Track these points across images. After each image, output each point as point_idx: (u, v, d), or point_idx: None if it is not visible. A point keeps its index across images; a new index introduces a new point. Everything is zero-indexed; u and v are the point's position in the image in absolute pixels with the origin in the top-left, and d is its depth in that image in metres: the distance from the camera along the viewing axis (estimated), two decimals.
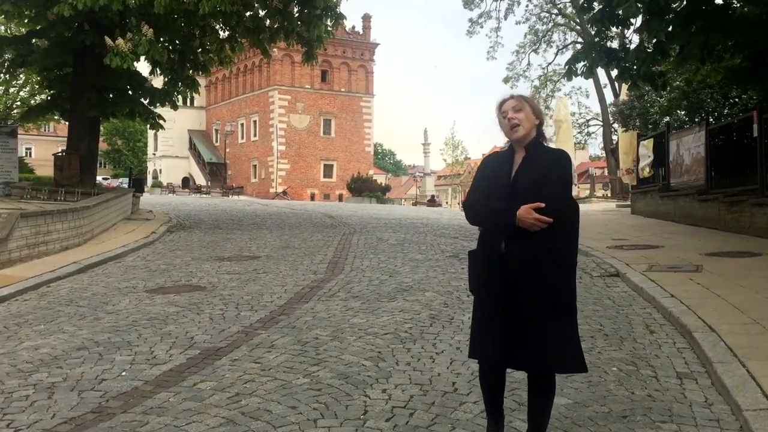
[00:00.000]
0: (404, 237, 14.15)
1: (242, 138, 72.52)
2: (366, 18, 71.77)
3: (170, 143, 78.14)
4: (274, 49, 61.90)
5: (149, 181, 76.15)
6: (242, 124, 72.29)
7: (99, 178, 55.70)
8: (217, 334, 6.14)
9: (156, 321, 6.70)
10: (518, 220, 3.23)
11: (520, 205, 3.24)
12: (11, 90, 41.39)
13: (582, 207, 17.70)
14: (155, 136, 79.57)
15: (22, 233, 9.89)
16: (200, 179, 73.14)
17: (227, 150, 70.82)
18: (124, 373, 5.01)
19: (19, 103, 42.44)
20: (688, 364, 5.26)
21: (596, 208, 24.42)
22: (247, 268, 10.14)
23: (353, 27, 70.72)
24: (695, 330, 5.90)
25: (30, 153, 79.76)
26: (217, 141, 74.83)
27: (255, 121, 70.41)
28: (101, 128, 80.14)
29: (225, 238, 14.02)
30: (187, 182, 75.05)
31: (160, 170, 78.18)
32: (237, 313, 7.05)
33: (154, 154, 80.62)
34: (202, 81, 76.67)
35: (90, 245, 11.97)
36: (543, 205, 3.22)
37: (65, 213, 11.11)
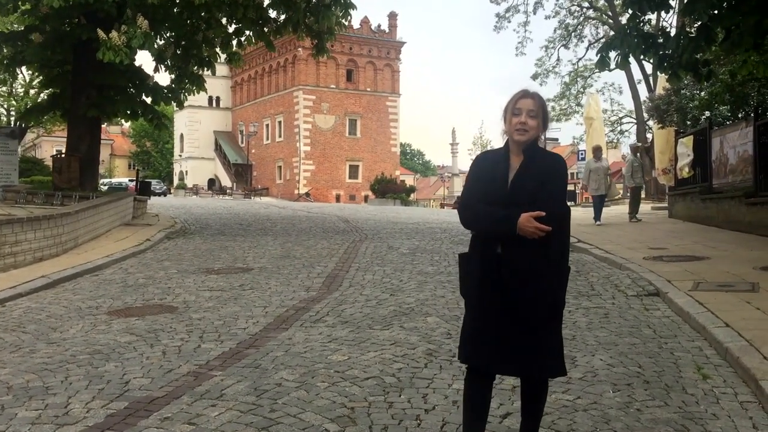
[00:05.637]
0: (418, 245, 12.91)
1: (267, 139, 71.81)
2: (392, 16, 70.53)
3: (196, 145, 77.79)
4: (299, 48, 61.75)
5: (175, 182, 75.91)
6: (267, 125, 71.56)
7: (125, 180, 55.35)
8: (161, 376, 4.98)
9: (98, 356, 5.57)
10: (518, 228, 3.19)
11: (519, 211, 3.19)
12: (31, 92, 41.06)
13: (616, 209, 15.76)
14: (181, 137, 79.33)
15: None
16: (226, 181, 72.62)
17: (252, 151, 70.14)
18: None
19: None
20: (757, 429, 3.98)
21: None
22: (233, 283, 9.00)
23: (379, 25, 69.61)
24: (762, 377, 4.61)
25: (61, 155, 79.85)
26: (242, 142, 74.18)
27: (280, 122, 69.61)
28: (131, 130, 79.30)
29: (223, 246, 12.92)
30: (213, 183, 74.59)
31: (186, 172, 77.81)
32: (198, 345, 5.89)
33: (180, 156, 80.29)
34: (227, 82, 76.66)
35: (70, 256, 10.93)
36: (543, 213, 3.18)
37: (38, 221, 10.06)
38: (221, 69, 72.19)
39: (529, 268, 3.23)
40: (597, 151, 17.62)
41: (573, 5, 39.19)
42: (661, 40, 11.00)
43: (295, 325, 6.56)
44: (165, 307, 7.59)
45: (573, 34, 39.52)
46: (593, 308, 7.14)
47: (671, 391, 4.59)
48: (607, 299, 7.63)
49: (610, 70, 37.15)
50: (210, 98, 76.96)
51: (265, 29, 16.39)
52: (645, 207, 22.52)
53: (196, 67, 17.63)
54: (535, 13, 39.48)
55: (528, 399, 3.49)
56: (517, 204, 3.22)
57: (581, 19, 39.65)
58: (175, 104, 18.37)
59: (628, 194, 19.10)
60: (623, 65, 11.30)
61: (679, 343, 5.78)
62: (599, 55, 11.36)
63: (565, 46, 40.14)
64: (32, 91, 40.98)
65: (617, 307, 7.22)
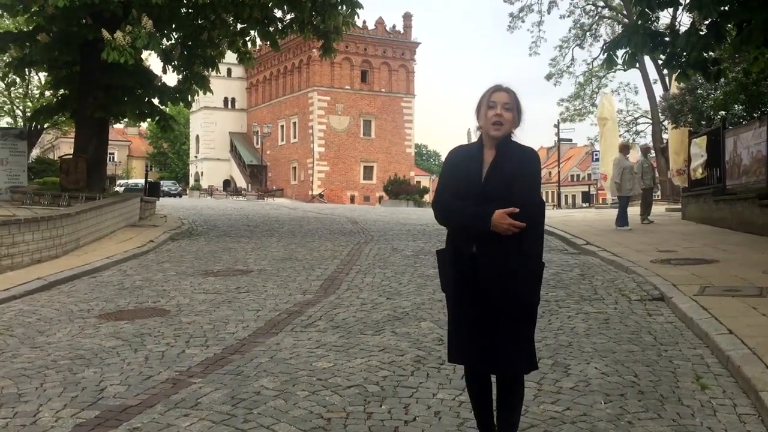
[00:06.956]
0: (422, 246, 12.72)
1: (282, 140, 71.87)
2: (407, 17, 70.41)
3: (212, 146, 78.04)
4: (314, 50, 61.67)
5: (191, 183, 76.19)
6: (282, 126, 71.62)
7: (142, 182, 55.53)
8: (139, 383, 4.84)
9: (78, 361, 5.44)
10: (492, 225, 3.16)
11: (493, 207, 3.18)
12: (46, 93, 41.18)
13: (628, 211, 14.84)
14: (197, 138, 79.63)
15: None
16: (241, 182, 72.79)
17: (267, 152, 70.27)
18: None
19: None
20: None
21: None
22: (229, 285, 8.86)
23: (393, 26, 69.52)
24: (763, 388, 4.38)
25: (68, 156, 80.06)
26: (257, 143, 74.36)
27: (294, 123, 69.66)
28: (148, 131, 79.37)
29: (226, 248, 12.80)
30: (228, 185, 74.78)
31: (202, 173, 78.07)
32: (183, 350, 5.75)
33: (196, 157, 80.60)
34: (242, 83, 76.76)
35: (70, 257, 10.85)
36: (518, 210, 3.16)
37: (36, 222, 9.99)
38: (236, 70, 72.59)
39: (505, 266, 3.21)
40: (624, 149, 16.50)
41: (588, 4, 38.84)
42: (669, 39, 10.75)
43: (285, 330, 6.40)
44: (157, 310, 7.46)
45: (588, 33, 39.15)
46: (594, 313, 6.92)
47: (666, 403, 4.38)
48: (609, 304, 7.40)
49: (624, 70, 36.61)
50: (225, 99, 77.27)
51: (271, 29, 16.28)
52: (659, 209, 22.15)
53: (201, 68, 17.56)
54: (549, 13, 39.20)
55: (504, 395, 3.43)
56: (491, 199, 3.21)
57: (596, 18, 39.29)
58: (182, 104, 18.25)
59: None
60: (630, 63, 11.07)
61: (680, 351, 5.55)
62: (606, 53, 11.16)
63: (580, 46, 39.82)
64: (47, 93, 41.15)
65: (619, 312, 7.00)
